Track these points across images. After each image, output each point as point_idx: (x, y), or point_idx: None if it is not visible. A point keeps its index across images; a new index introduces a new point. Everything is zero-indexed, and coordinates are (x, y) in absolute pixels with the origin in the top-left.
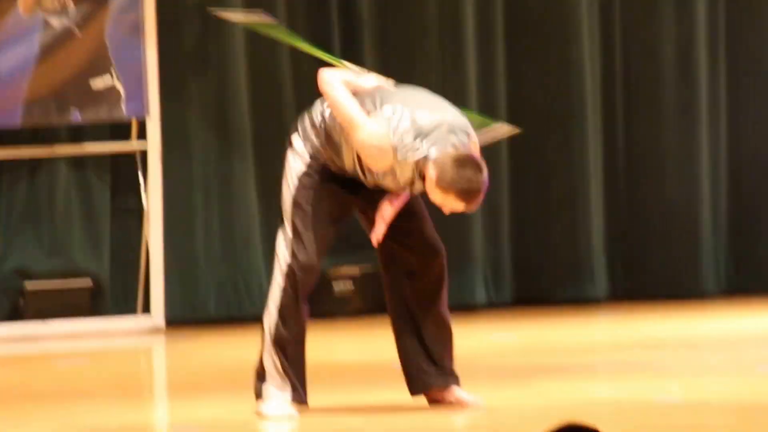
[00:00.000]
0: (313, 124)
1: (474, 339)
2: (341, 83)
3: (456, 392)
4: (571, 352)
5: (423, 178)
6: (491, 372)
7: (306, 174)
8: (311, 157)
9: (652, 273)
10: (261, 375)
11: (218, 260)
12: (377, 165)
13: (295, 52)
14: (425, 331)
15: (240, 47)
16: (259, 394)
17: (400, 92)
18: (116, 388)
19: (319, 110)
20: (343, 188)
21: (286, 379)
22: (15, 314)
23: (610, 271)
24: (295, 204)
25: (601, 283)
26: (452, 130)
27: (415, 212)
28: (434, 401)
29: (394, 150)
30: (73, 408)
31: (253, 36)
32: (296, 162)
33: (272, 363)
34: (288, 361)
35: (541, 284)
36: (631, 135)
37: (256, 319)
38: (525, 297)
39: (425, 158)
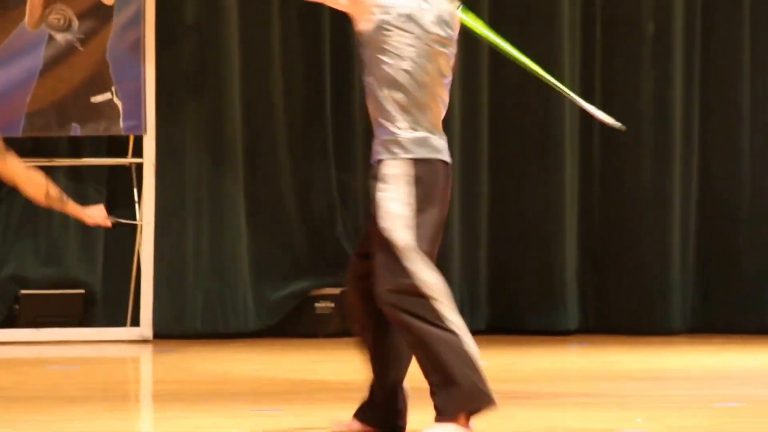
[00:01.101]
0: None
1: None
2: None
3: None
4: (541, 381)
5: None
6: None
7: None
8: None
9: (622, 306)
10: None
11: (207, 275)
12: None
13: (288, 75)
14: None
15: (235, 67)
16: None
17: None
18: (104, 396)
19: None
20: None
21: None
22: (10, 320)
23: (582, 303)
24: None
25: (572, 314)
26: None
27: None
28: None
29: None
30: (61, 413)
31: (248, 56)
32: None
33: None
34: None
35: (514, 313)
36: (607, 170)
37: (242, 334)
38: (499, 325)
39: None
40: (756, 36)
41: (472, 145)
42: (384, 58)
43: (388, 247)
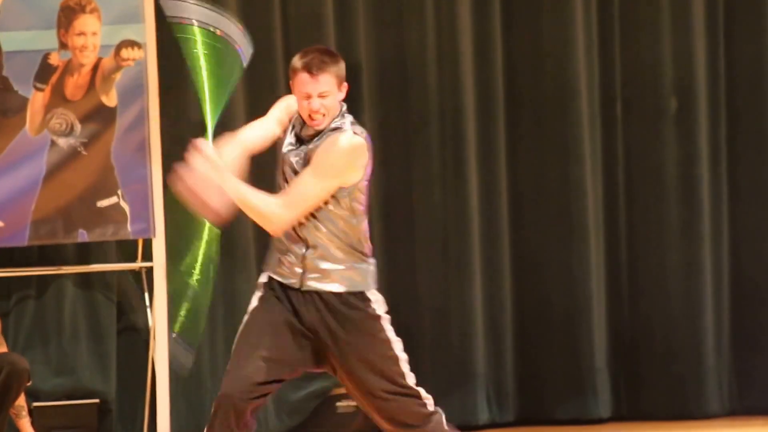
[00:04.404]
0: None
1: None
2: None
3: None
4: None
5: None
6: None
7: None
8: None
9: (655, 392)
10: None
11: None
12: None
13: None
14: None
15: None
16: None
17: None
18: None
19: None
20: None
21: None
22: None
23: (614, 389)
24: None
25: (604, 401)
26: None
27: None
28: None
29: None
30: None
31: (257, 154)
32: None
33: None
34: None
35: (543, 403)
36: (634, 252)
37: None
38: (528, 416)
39: None
40: None
41: (492, 231)
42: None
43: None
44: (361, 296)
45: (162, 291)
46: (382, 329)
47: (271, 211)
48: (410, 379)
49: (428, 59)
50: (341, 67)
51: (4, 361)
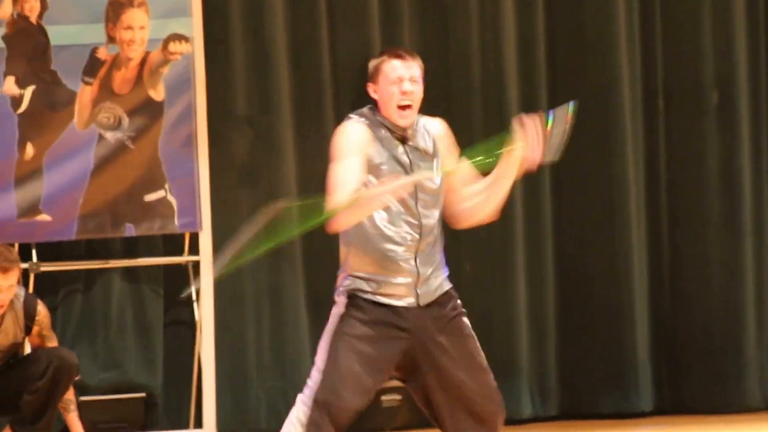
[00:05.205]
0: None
1: None
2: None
3: None
4: None
5: None
6: None
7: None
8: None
9: (697, 385)
10: None
11: (269, 372)
12: None
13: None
14: None
15: (290, 158)
16: None
17: None
18: None
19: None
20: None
21: None
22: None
23: (656, 383)
24: None
25: (646, 395)
26: None
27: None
28: None
29: None
30: None
31: (302, 147)
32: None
33: None
34: None
35: (586, 397)
36: (676, 245)
37: None
38: (570, 410)
39: None
40: None
41: (535, 227)
42: None
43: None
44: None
45: (209, 285)
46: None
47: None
48: None
49: (472, 52)
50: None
51: (53, 356)
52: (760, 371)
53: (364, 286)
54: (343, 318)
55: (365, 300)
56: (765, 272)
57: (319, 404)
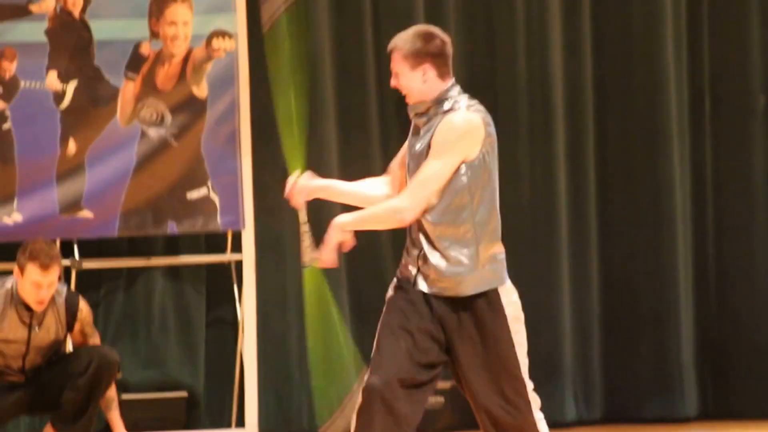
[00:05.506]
0: None
1: None
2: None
3: None
4: None
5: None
6: None
7: None
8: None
9: (742, 391)
10: None
11: (312, 372)
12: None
13: (385, 167)
14: None
15: (333, 156)
16: None
17: None
18: None
19: None
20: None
21: None
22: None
23: (701, 388)
24: None
25: (691, 400)
26: None
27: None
28: None
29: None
30: None
31: (345, 145)
32: None
33: None
34: None
35: (630, 401)
36: (721, 249)
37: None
38: (614, 415)
39: None
40: None
41: (580, 227)
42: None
43: None
44: None
45: (251, 283)
46: None
47: (392, 206)
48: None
49: (518, 52)
50: (412, 45)
51: (94, 353)
52: None
53: None
54: None
55: None
56: None
57: (364, 390)
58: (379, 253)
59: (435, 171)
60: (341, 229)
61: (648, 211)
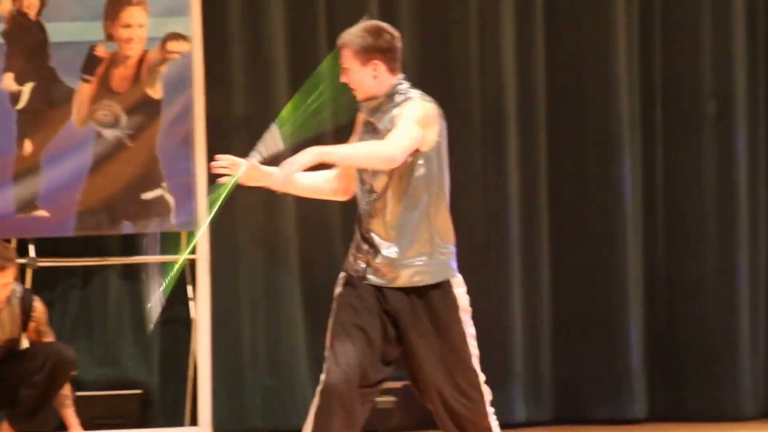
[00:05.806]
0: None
1: None
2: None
3: None
4: None
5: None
6: None
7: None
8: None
9: (691, 393)
10: None
11: (265, 371)
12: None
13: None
14: None
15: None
16: None
17: None
18: None
19: None
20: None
21: None
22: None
23: (651, 390)
24: None
25: (640, 401)
26: None
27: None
28: None
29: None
30: None
31: (299, 147)
32: None
33: None
34: None
35: (580, 402)
36: (672, 253)
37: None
38: (564, 415)
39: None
40: None
41: (531, 231)
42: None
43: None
44: None
45: (205, 283)
46: None
47: (383, 143)
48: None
49: (471, 62)
50: (362, 41)
51: (51, 351)
52: (754, 379)
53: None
54: None
55: None
56: (760, 282)
57: (323, 392)
58: (331, 238)
59: (410, 124)
60: (315, 155)
61: (599, 216)
